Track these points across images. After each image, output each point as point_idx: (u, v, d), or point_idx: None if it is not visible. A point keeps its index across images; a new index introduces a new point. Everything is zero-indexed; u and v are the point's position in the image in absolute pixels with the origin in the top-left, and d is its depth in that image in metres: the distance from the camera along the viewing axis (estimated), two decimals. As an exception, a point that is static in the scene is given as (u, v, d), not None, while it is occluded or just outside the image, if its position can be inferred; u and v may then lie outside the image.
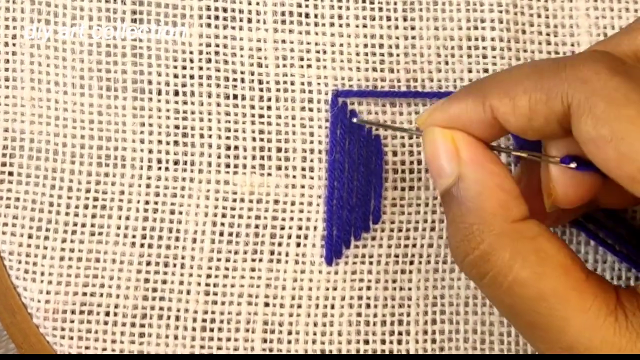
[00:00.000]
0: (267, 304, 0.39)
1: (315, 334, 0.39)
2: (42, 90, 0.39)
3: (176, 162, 0.39)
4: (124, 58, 0.39)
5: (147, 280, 0.38)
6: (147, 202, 0.39)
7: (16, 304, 0.38)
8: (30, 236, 0.38)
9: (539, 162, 0.33)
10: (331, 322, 0.39)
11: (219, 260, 0.39)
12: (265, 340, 0.39)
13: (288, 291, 0.39)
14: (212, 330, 0.38)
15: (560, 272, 0.30)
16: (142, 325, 0.38)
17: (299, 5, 0.40)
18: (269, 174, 0.39)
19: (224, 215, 0.39)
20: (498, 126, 0.31)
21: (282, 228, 0.39)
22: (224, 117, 0.39)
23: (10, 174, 0.39)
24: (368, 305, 0.39)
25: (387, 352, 0.39)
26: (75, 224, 0.39)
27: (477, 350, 0.39)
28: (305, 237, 0.39)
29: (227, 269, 0.39)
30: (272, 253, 0.39)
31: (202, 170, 0.39)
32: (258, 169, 0.39)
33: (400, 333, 0.39)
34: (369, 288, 0.39)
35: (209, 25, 0.39)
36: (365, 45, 0.40)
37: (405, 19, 0.40)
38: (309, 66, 0.40)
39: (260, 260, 0.39)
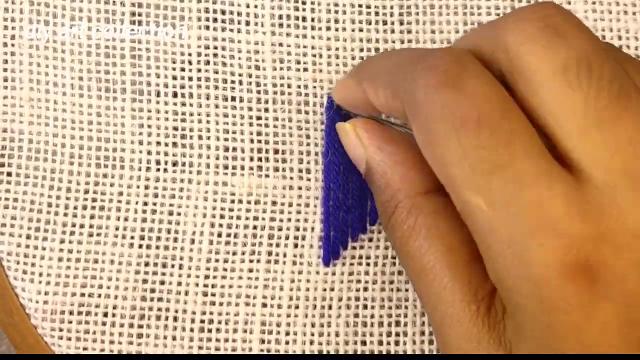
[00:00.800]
0: (264, 305, 0.39)
1: (312, 334, 0.39)
2: (40, 90, 0.39)
3: (174, 164, 0.39)
4: (122, 59, 0.39)
5: (145, 281, 0.39)
6: (145, 203, 0.39)
7: (14, 304, 0.38)
8: (28, 237, 0.38)
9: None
10: (328, 323, 0.39)
11: (217, 261, 0.39)
12: (263, 341, 0.39)
13: (285, 292, 0.39)
14: (210, 331, 0.39)
15: (444, 250, 0.32)
16: (140, 326, 0.38)
17: (297, 9, 0.40)
18: (267, 176, 0.39)
19: (222, 217, 0.39)
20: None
21: (280, 229, 0.39)
22: (222, 118, 0.39)
23: (9, 174, 0.39)
24: (365, 306, 0.39)
25: (384, 353, 0.39)
26: (73, 225, 0.39)
27: (473, 351, 0.39)
28: (303, 238, 0.39)
29: (225, 269, 0.39)
30: (269, 254, 0.39)
31: (201, 172, 0.39)
32: (256, 170, 0.39)
33: (397, 334, 0.39)
34: (366, 289, 0.39)
35: (207, 27, 0.40)
36: (361, 49, 0.40)
37: (401, 23, 0.40)
38: (305, 69, 0.40)
39: (258, 261, 0.39)
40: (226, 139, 0.39)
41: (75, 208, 0.39)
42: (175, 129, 0.39)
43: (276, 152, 0.39)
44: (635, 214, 0.27)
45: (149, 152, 0.39)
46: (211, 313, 0.39)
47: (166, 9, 0.40)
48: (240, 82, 0.40)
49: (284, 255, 0.39)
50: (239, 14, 0.40)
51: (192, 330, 0.38)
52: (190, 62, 0.39)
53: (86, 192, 0.39)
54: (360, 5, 0.40)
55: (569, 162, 0.28)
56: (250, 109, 0.39)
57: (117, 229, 0.39)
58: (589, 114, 0.27)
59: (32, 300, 0.38)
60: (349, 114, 0.39)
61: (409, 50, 0.35)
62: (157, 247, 0.39)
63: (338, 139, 0.39)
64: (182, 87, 0.39)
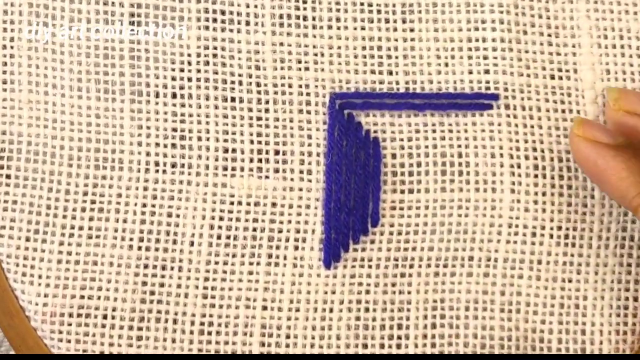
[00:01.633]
0: (265, 308, 0.38)
1: (313, 337, 0.38)
2: (39, 92, 0.39)
3: (173, 165, 0.39)
4: (121, 61, 0.39)
5: (144, 284, 0.38)
6: (144, 205, 0.39)
7: (14, 306, 0.38)
8: (27, 239, 0.39)
9: None
10: (330, 326, 0.38)
11: (216, 263, 0.39)
12: (263, 344, 0.38)
13: (286, 295, 0.39)
14: (209, 333, 0.38)
15: None
16: (140, 329, 0.38)
17: (297, 8, 0.40)
18: (267, 177, 0.39)
19: (221, 219, 0.39)
20: None
21: (280, 231, 0.39)
22: (222, 119, 0.39)
23: (8, 176, 0.39)
24: (367, 309, 0.39)
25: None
26: (72, 227, 0.39)
27: (477, 355, 0.39)
28: (303, 241, 0.39)
29: (224, 272, 0.39)
30: (269, 256, 0.39)
31: (200, 173, 0.39)
32: (255, 171, 0.39)
33: (399, 337, 0.39)
34: (367, 292, 0.39)
35: (206, 27, 0.39)
36: (364, 48, 0.40)
37: (404, 21, 0.40)
38: (307, 69, 0.39)
39: (258, 263, 0.39)
40: (225, 140, 0.39)
41: (74, 210, 0.39)
42: (175, 130, 0.39)
43: (277, 153, 0.39)
44: None
45: (147, 154, 0.39)
46: (211, 315, 0.38)
47: (165, 10, 0.39)
48: (240, 83, 0.39)
49: (284, 258, 0.39)
50: (239, 13, 0.40)
51: (191, 332, 0.38)
52: (189, 63, 0.39)
53: (85, 194, 0.39)
54: (362, 4, 0.40)
55: None
56: (250, 109, 0.39)
57: (116, 230, 0.39)
58: None
59: (32, 303, 0.38)
60: (352, 113, 0.39)
61: None
62: (157, 249, 0.39)
63: (341, 139, 0.38)
64: (182, 87, 0.39)
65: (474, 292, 0.39)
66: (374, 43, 0.40)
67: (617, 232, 0.39)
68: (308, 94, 0.39)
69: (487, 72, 0.39)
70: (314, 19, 0.40)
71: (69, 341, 0.38)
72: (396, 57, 0.39)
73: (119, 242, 0.39)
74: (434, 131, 0.39)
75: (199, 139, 0.39)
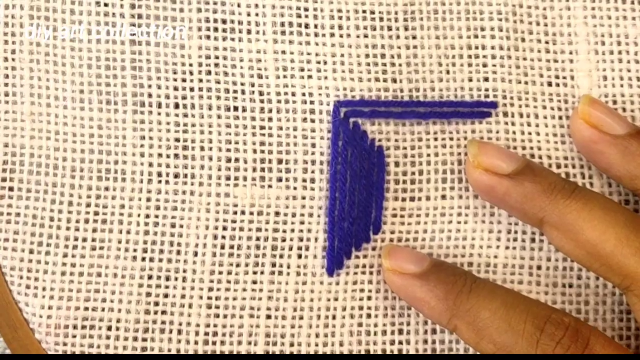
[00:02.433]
0: (269, 316, 0.39)
1: (317, 344, 0.39)
2: (41, 104, 0.39)
3: (176, 175, 0.39)
4: (123, 71, 0.39)
5: (148, 294, 0.38)
6: (147, 216, 0.39)
7: (18, 319, 0.38)
8: (31, 251, 0.38)
9: None
10: (332, 333, 0.39)
11: (220, 273, 0.39)
12: (267, 353, 0.39)
13: (290, 303, 0.39)
14: (214, 343, 0.38)
15: None
16: (144, 340, 0.38)
17: (299, 16, 0.39)
18: (270, 186, 0.39)
19: (224, 228, 0.39)
20: None
21: (283, 240, 0.39)
22: (225, 129, 0.39)
23: (11, 189, 0.38)
24: (369, 315, 0.39)
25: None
26: (75, 239, 0.38)
27: (478, 360, 0.39)
28: (307, 249, 0.39)
29: (228, 281, 0.39)
30: (273, 265, 0.39)
31: (203, 183, 0.39)
32: (258, 180, 0.39)
33: (400, 342, 0.39)
34: (369, 298, 0.39)
35: (208, 37, 0.39)
36: (367, 55, 0.40)
37: (406, 29, 0.40)
38: (310, 77, 0.39)
39: (262, 272, 0.39)
40: (228, 150, 0.39)
41: (77, 222, 0.38)
42: (177, 140, 0.39)
43: (280, 162, 0.39)
44: None
45: (150, 164, 0.39)
46: (215, 325, 0.38)
47: (166, 20, 0.39)
48: (243, 92, 0.39)
49: (288, 266, 0.39)
50: (240, 22, 0.39)
51: (196, 342, 0.38)
52: (191, 73, 0.39)
53: (88, 205, 0.39)
54: (364, 11, 0.40)
55: None
56: (253, 118, 0.39)
57: (119, 242, 0.38)
58: None
59: (35, 315, 0.38)
60: (357, 121, 0.39)
61: None
62: (160, 260, 0.38)
63: (345, 147, 0.39)
64: (184, 97, 0.39)
65: (474, 298, 0.39)
66: (377, 51, 0.40)
67: (615, 237, 0.40)
68: (312, 102, 0.39)
69: (486, 79, 0.40)
70: (316, 26, 0.39)
71: (73, 353, 0.38)
72: (399, 65, 0.40)
73: (123, 253, 0.38)
74: (435, 139, 0.39)
75: (202, 148, 0.39)
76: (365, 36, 0.40)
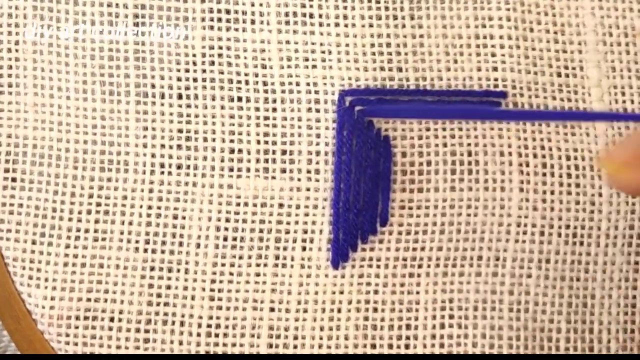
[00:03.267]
0: (272, 309, 0.38)
1: (321, 338, 0.38)
2: (45, 95, 0.39)
3: (179, 166, 0.39)
4: (126, 62, 0.39)
5: (151, 286, 0.38)
6: (150, 207, 0.38)
7: (20, 310, 0.38)
8: (34, 242, 0.38)
9: None
10: (338, 327, 0.38)
11: (223, 265, 0.38)
12: (271, 346, 0.38)
13: (294, 296, 0.38)
14: (217, 335, 0.38)
15: None
16: (147, 331, 0.38)
17: (303, 6, 0.39)
18: (274, 177, 0.39)
19: (227, 220, 0.38)
20: None
21: (287, 232, 0.39)
22: (228, 120, 0.39)
23: (14, 180, 0.39)
24: (375, 310, 0.38)
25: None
26: (78, 230, 0.38)
27: (485, 355, 0.38)
28: (311, 241, 0.39)
29: (231, 273, 0.38)
30: (277, 257, 0.38)
31: (206, 174, 0.39)
32: (262, 172, 0.39)
33: (408, 337, 0.38)
34: (376, 292, 0.39)
35: (211, 27, 0.39)
36: (372, 45, 0.39)
37: (412, 18, 0.39)
38: (314, 67, 0.39)
39: (265, 264, 0.38)
40: (232, 141, 0.39)
41: (79, 213, 0.38)
42: (180, 131, 0.39)
43: (284, 152, 0.39)
44: None
45: (153, 155, 0.39)
46: (218, 317, 0.38)
47: (169, 10, 0.39)
48: (247, 82, 0.39)
49: (292, 259, 0.38)
50: (244, 12, 0.39)
51: (198, 334, 0.38)
52: (194, 63, 0.39)
53: (90, 196, 0.39)
54: (369, 1, 0.39)
55: None
56: (257, 109, 0.39)
57: (122, 233, 0.38)
58: None
59: (38, 306, 0.38)
60: (363, 111, 0.38)
61: None
62: (163, 252, 0.38)
63: (350, 137, 0.38)
64: (187, 88, 0.39)
65: (482, 292, 0.38)
66: (383, 40, 0.39)
67: (624, 230, 0.39)
68: (316, 92, 0.39)
69: (495, 69, 0.39)
70: (320, 16, 0.39)
71: (75, 344, 0.38)
72: (405, 54, 0.39)
73: (125, 244, 0.38)
74: (444, 129, 0.39)
75: (205, 139, 0.39)
76: (371, 25, 0.39)
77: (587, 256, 0.39)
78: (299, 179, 0.39)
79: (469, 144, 0.39)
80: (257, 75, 0.39)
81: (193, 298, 0.38)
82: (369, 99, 0.39)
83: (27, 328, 0.38)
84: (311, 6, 0.39)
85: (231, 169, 0.39)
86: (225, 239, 0.38)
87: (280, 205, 0.39)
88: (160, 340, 0.38)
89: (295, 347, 0.38)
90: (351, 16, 0.39)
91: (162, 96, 0.39)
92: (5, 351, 0.48)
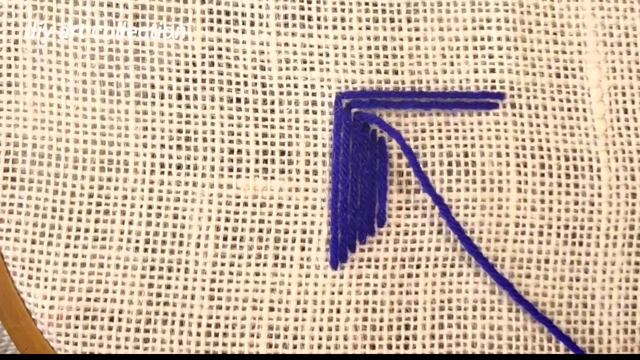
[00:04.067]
0: (272, 309, 0.38)
1: (320, 338, 0.38)
2: (44, 95, 0.39)
3: (179, 167, 0.39)
4: (126, 62, 0.39)
5: (151, 285, 0.38)
6: (150, 207, 0.39)
7: (20, 309, 0.38)
8: (33, 242, 0.38)
9: None
10: (337, 327, 0.38)
11: (223, 264, 0.38)
12: (270, 345, 0.38)
13: (293, 295, 0.38)
14: (216, 335, 0.38)
15: None
16: (147, 331, 0.38)
17: (302, 9, 0.40)
18: (272, 178, 0.39)
19: (227, 220, 0.39)
20: None
21: (286, 232, 0.39)
22: (227, 120, 0.39)
23: (13, 179, 0.39)
24: (374, 310, 0.38)
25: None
26: (78, 229, 0.38)
27: (485, 355, 0.38)
28: (310, 241, 0.39)
29: (231, 273, 0.38)
30: (276, 257, 0.39)
31: (205, 174, 0.39)
32: (261, 172, 0.39)
33: (407, 338, 0.38)
34: (375, 292, 0.39)
35: (211, 28, 0.39)
36: (369, 47, 0.39)
37: (409, 20, 0.40)
38: (312, 69, 0.39)
39: (265, 264, 0.38)
40: (231, 141, 0.39)
41: (79, 212, 0.39)
42: (180, 131, 0.39)
43: (282, 153, 0.39)
44: None
45: (153, 155, 0.39)
46: (218, 317, 0.38)
47: (169, 11, 0.39)
48: (246, 83, 0.39)
49: (291, 259, 0.39)
50: (244, 14, 0.39)
51: (198, 334, 0.38)
52: (194, 64, 0.39)
53: (90, 196, 0.39)
54: (367, 3, 0.40)
55: None
56: (255, 110, 0.39)
57: (122, 232, 0.38)
58: None
59: (38, 305, 0.38)
60: (360, 113, 0.39)
61: None
62: (163, 251, 0.38)
63: (347, 139, 0.38)
64: (187, 89, 0.39)
65: (481, 292, 0.39)
66: (379, 42, 0.39)
67: (624, 231, 0.39)
68: (314, 94, 0.39)
69: (492, 71, 0.39)
70: (318, 19, 0.39)
71: (75, 344, 0.38)
72: (401, 57, 0.39)
73: (125, 244, 0.38)
74: (439, 130, 0.39)
75: (204, 140, 0.39)
76: (368, 28, 0.40)
77: (587, 256, 0.39)
78: (297, 180, 0.39)
79: (465, 145, 0.39)
80: (256, 77, 0.39)
81: (193, 298, 0.38)
82: (364, 101, 0.39)
83: (27, 327, 0.38)
84: (309, 9, 0.40)
85: (230, 169, 0.39)
86: (224, 239, 0.38)
87: (279, 205, 0.39)
88: (160, 339, 0.38)
89: (294, 347, 0.38)
90: (349, 19, 0.40)
91: (162, 96, 0.39)
92: (6, 351, 0.48)
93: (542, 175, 0.39)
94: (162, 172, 0.39)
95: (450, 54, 0.39)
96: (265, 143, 0.39)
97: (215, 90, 0.39)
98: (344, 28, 0.39)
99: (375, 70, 0.39)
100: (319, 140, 0.39)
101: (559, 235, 0.39)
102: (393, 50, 0.39)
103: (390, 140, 0.39)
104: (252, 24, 0.39)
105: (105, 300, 0.38)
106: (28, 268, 0.38)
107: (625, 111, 0.39)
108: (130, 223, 0.39)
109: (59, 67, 0.39)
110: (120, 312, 0.38)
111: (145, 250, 0.38)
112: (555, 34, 0.40)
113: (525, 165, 0.39)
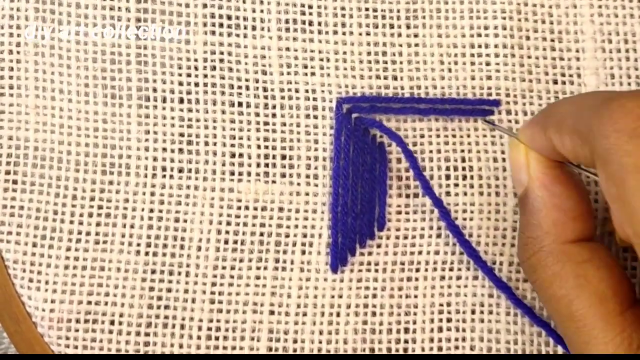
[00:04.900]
0: (272, 312, 0.38)
1: (320, 342, 0.38)
2: (46, 98, 0.39)
3: (181, 170, 0.39)
4: (128, 65, 0.39)
5: (152, 289, 0.38)
6: (151, 210, 0.39)
7: (20, 313, 0.38)
8: (34, 245, 0.38)
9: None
10: (337, 330, 0.39)
11: (223, 268, 0.38)
12: (270, 349, 0.38)
13: (293, 299, 0.39)
14: (217, 338, 0.38)
15: (594, 300, 0.31)
16: (147, 334, 0.38)
17: (303, 13, 0.40)
18: (274, 182, 0.39)
19: (228, 223, 0.39)
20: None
21: (287, 236, 0.39)
22: (229, 124, 0.39)
23: (15, 182, 0.39)
24: (374, 313, 0.39)
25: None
26: (79, 232, 0.38)
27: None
28: (310, 245, 0.39)
29: (232, 277, 0.38)
30: (277, 261, 0.39)
31: (207, 178, 0.39)
32: (262, 176, 0.39)
33: (406, 341, 0.39)
34: (374, 296, 0.39)
35: (213, 32, 0.39)
36: (369, 53, 0.40)
37: (408, 27, 0.40)
38: (313, 74, 0.40)
39: (265, 268, 0.39)
40: (232, 145, 0.39)
41: (81, 215, 0.38)
42: (182, 135, 0.39)
43: (283, 157, 0.39)
44: None
45: (154, 159, 0.39)
46: (218, 320, 0.38)
47: (172, 15, 0.39)
48: (247, 88, 0.39)
49: (292, 262, 0.39)
50: (245, 18, 0.40)
51: (199, 337, 0.38)
52: (196, 68, 0.39)
53: (92, 199, 0.39)
54: (367, 9, 0.40)
55: None
56: (257, 114, 0.39)
57: (123, 236, 0.38)
58: None
59: (38, 309, 0.38)
60: (360, 118, 0.39)
61: (595, 93, 0.33)
62: (164, 255, 0.38)
63: (347, 143, 0.39)
64: (189, 92, 0.39)
65: (479, 296, 0.39)
66: (379, 48, 0.40)
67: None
68: (315, 99, 0.39)
69: (489, 78, 0.40)
70: (319, 24, 0.40)
71: (75, 347, 0.38)
72: (401, 63, 0.40)
73: (126, 247, 0.38)
74: (437, 136, 0.39)
75: (206, 143, 0.39)
76: (368, 34, 0.40)
77: None
78: (298, 184, 0.39)
79: (462, 150, 0.39)
80: (257, 81, 0.39)
81: (193, 301, 0.38)
82: (365, 106, 0.39)
83: (27, 331, 0.38)
84: (311, 14, 0.40)
85: (232, 173, 0.39)
86: (226, 242, 0.39)
87: (280, 209, 0.39)
88: (161, 343, 0.38)
89: (294, 350, 0.38)
90: (349, 24, 0.40)
91: (164, 100, 0.39)
92: (6, 352, 0.48)
93: (539, 179, 0.39)
94: (164, 176, 0.39)
95: (449, 61, 0.40)
96: (266, 147, 0.39)
97: (217, 94, 0.39)
98: (344, 33, 0.40)
99: (375, 75, 0.40)
100: (319, 145, 0.39)
101: (555, 239, 0.39)
102: (392, 56, 0.40)
103: (390, 145, 0.39)
104: (253, 28, 0.40)
105: (106, 303, 0.38)
106: (29, 271, 0.38)
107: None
108: (132, 226, 0.39)
109: (61, 70, 0.39)
110: (121, 315, 0.38)
111: (146, 253, 0.38)
112: (553, 40, 0.40)
113: (522, 170, 0.39)
